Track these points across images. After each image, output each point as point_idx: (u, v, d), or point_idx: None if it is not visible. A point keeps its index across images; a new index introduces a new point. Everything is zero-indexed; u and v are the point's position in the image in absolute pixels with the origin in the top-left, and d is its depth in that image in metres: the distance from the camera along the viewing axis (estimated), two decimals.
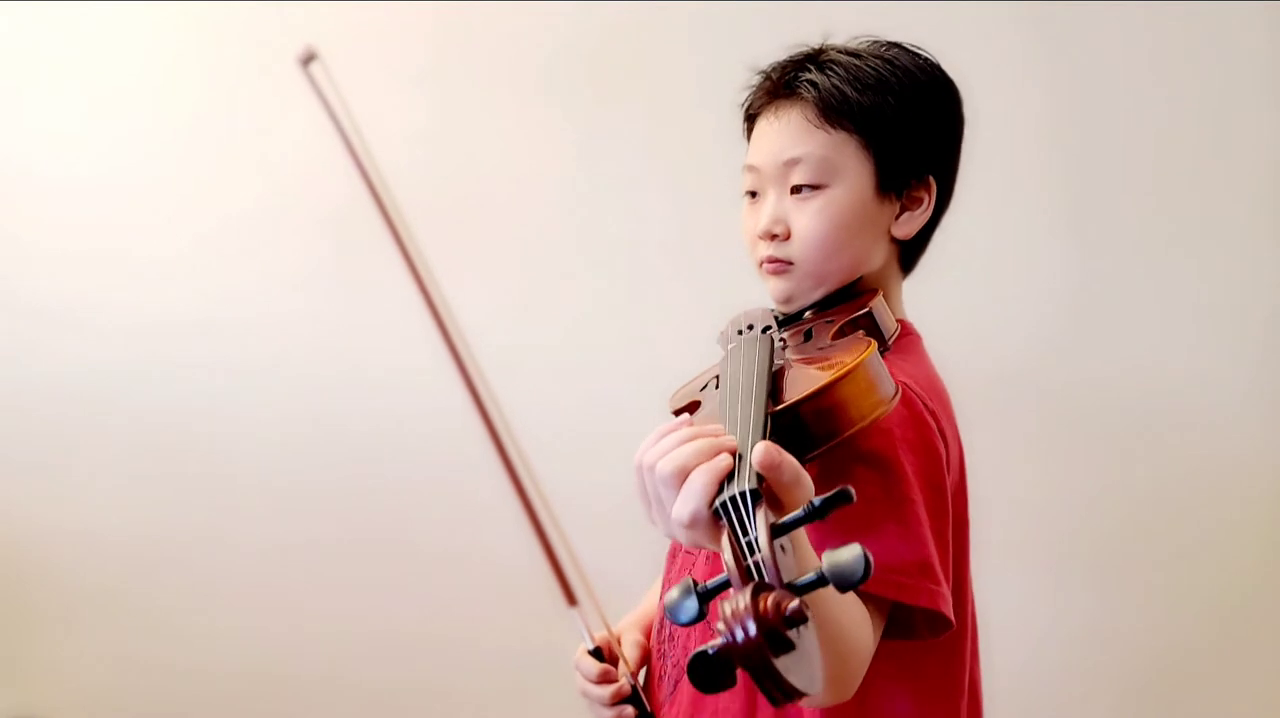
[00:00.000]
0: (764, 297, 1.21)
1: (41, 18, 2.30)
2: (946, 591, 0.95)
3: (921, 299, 1.24)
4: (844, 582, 0.62)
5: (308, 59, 1.02)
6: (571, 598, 1.00)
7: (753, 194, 1.17)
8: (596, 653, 1.17)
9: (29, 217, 2.33)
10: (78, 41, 2.31)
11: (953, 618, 0.95)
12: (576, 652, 1.19)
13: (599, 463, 2.20)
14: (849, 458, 0.94)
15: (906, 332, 1.17)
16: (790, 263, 1.13)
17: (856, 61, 1.12)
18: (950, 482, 1.05)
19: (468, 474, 2.09)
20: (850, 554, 0.62)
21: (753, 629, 0.60)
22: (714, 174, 1.64)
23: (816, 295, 1.15)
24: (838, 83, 1.10)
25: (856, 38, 1.17)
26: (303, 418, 2.31)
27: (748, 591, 0.62)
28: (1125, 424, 2.15)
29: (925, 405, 1.03)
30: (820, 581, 0.64)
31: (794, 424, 0.88)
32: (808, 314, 1.15)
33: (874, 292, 1.13)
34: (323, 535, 2.30)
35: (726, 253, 1.54)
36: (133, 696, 2.34)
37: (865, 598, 0.91)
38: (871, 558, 0.62)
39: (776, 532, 0.69)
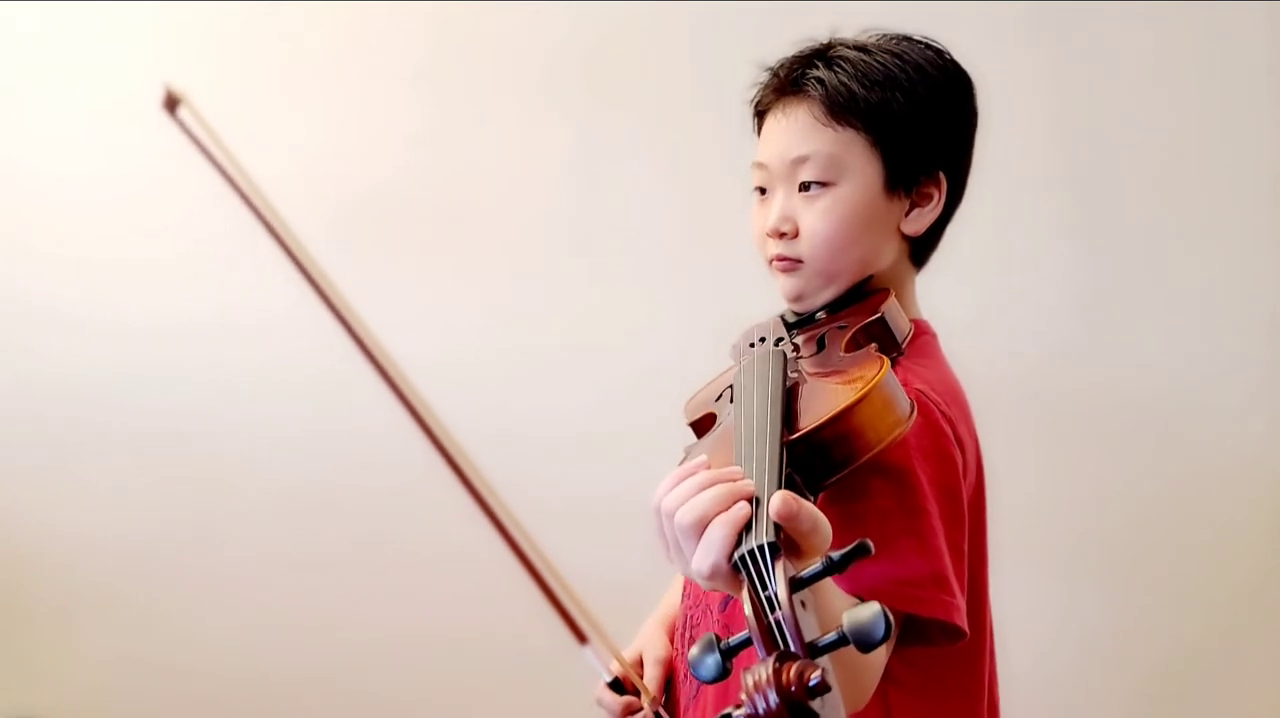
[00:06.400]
0: (765, 298, 1.20)
1: (42, 18, 2.28)
2: (960, 601, 0.95)
3: (929, 299, 1.22)
4: (865, 643, 0.64)
5: (172, 104, 0.97)
6: (581, 637, 0.99)
7: (762, 190, 1.16)
8: (616, 684, 1.16)
9: (29, 219, 2.31)
10: (79, 42, 2.29)
11: (966, 628, 0.95)
12: (597, 688, 1.19)
13: (599, 463, 2.20)
14: (864, 469, 0.93)
15: (921, 331, 1.16)
16: (800, 261, 1.12)
17: (865, 57, 1.11)
18: (967, 487, 1.04)
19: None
20: (870, 613, 0.64)
21: (775, 702, 0.62)
22: (713, 175, 1.64)
23: (827, 294, 1.14)
24: (845, 79, 1.09)
25: (866, 31, 1.16)
26: (303, 421, 2.30)
27: (770, 661, 0.63)
28: (1134, 424, 2.14)
29: (942, 412, 1.02)
30: (841, 640, 0.65)
31: (810, 453, 0.87)
32: (820, 316, 1.14)
33: (885, 292, 1.12)
34: (322, 538, 2.29)
35: (727, 255, 1.53)
36: (133, 696, 2.33)
37: None
38: (891, 617, 0.64)
39: (796, 586, 0.69)
